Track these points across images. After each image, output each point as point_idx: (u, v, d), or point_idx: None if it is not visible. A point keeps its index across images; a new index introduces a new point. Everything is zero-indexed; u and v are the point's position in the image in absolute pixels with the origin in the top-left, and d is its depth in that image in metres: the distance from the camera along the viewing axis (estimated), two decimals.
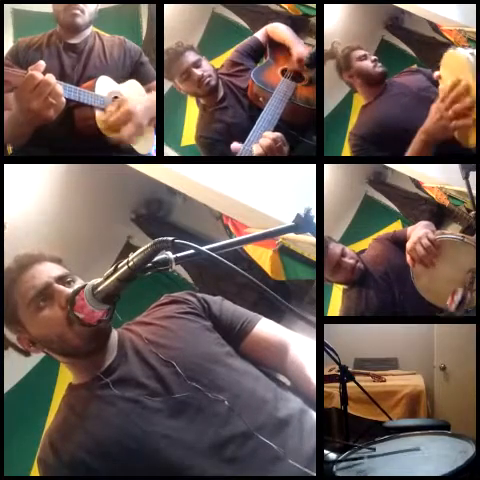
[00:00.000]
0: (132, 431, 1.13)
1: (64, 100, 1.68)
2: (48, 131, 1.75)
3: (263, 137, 1.76)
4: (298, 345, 1.30)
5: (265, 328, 1.33)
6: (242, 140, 1.80)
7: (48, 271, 1.23)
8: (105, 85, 1.96)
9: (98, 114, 1.90)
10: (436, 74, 1.65)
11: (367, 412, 2.56)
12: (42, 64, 1.64)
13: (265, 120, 1.85)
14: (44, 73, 1.64)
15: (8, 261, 1.28)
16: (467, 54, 1.50)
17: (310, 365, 1.25)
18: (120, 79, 2.03)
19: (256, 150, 1.73)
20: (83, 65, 2.02)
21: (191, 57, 2.09)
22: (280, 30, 2.16)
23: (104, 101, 1.92)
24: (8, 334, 1.28)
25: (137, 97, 2.00)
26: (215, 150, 2.10)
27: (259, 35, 2.22)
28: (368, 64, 2.15)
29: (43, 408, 2.52)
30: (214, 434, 1.12)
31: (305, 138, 1.92)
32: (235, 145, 1.79)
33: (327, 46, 2.15)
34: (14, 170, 2.05)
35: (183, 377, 1.17)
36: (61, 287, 1.20)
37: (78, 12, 1.97)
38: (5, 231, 1.74)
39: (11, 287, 1.22)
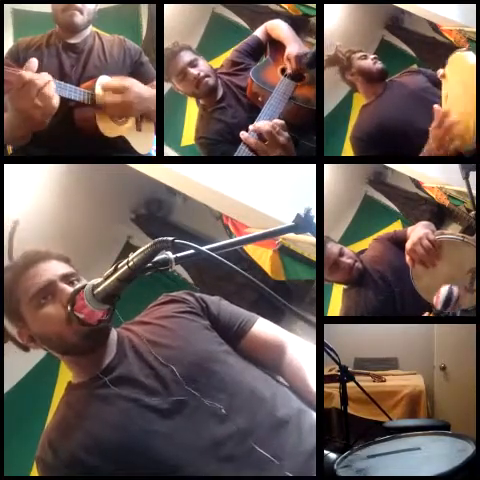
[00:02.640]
0: (130, 430, 1.13)
1: (56, 103, 1.63)
2: (48, 131, 1.74)
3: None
4: (295, 346, 1.31)
5: (262, 328, 1.33)
6: (241, 140, 1.79)
7: (53, 269, 1.23)
8: None
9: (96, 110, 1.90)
10: (440, 72, 1.64)
11: (367, 412, 2.56)
12: (34, 62, 1.60)
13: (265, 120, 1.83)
14: (38, 71, 1.60)
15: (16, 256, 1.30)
16: (474, 60, 1.50)
17: (307, 367, 1.26)
18: None
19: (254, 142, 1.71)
20: (83, 65, 2.01)
21: (187, 57, 2.07)
22: (279, 28, 2.14)
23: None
24: (9, 327, 1.28)
25: (136, 87, 1.98)
26: (215, 151, 2.08)
27: (259, 33, 2.20)
28: (368, 62, 2.17)
29: (43, 408, 2.52)
30: (211, 432, 1.12)
31: (304, 139, 1.91)
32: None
33: (330, 51, 2.15)
34: (14, 170, 2.05)
35: (181, 381, 1.18)
36: (64, 285, 1.21)
37: (76, 12, 1.97)
38: (18, 227, 1.74)
39: (15, 282, 1.23)
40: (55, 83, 1.66)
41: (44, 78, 1.61)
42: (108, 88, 1.90)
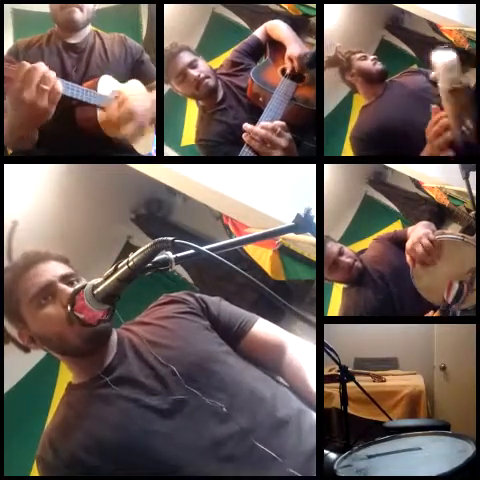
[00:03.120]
0: (130, 430, 1.13)
1: (60, 89, 1.63)
2: (49, 131, 1.74)
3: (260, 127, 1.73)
4: (295, 346, 1.31)
5: (262, 328, 1.34)
6: (243, 141, 1.79)
7: (52, 270, 1.24)
8: (107, 84, 1.95)
9: (99, 113, 1.90)
10: (432, 75, 1.66)
11: (367, 412, 2.56)
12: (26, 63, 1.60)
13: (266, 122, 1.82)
14: None
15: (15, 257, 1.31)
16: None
17: (307, 367, 1.26)
18: (122, 77, 2.03)
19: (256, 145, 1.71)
20: (85, 65, 2.01)
21: (186, 58, 2.05)
22: (278, 28, 2.13)
23: (105, 100, 1.92)
24: (9, 328, 1.29)
25: (138, 97, 1.99)
26: (217, 153, 2.07)
27: (258, 33, 2.19)
28: (368, 63, 2.17)
29: (43, 408, 2.52)
30: (211, 432, 1.13)
31: (305, 140, 1.91)
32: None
33: (330, 52, 2.15)
34: (14, 170, 2.05)
35: (181, 380, 1.18)
36: (64, 286, 1.21)
37: (76, 8, 1.96)
38: (17, 228, 1.74)
39: (15, 282, 1.23)
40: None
41: (44, 66, 1.61)
42: (111, 119, 1.90)
